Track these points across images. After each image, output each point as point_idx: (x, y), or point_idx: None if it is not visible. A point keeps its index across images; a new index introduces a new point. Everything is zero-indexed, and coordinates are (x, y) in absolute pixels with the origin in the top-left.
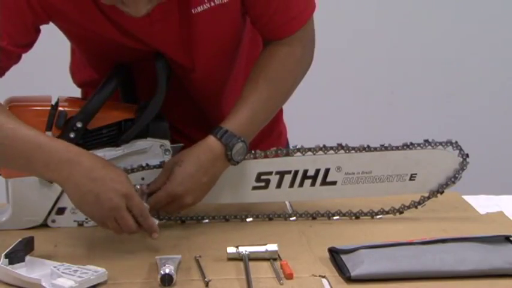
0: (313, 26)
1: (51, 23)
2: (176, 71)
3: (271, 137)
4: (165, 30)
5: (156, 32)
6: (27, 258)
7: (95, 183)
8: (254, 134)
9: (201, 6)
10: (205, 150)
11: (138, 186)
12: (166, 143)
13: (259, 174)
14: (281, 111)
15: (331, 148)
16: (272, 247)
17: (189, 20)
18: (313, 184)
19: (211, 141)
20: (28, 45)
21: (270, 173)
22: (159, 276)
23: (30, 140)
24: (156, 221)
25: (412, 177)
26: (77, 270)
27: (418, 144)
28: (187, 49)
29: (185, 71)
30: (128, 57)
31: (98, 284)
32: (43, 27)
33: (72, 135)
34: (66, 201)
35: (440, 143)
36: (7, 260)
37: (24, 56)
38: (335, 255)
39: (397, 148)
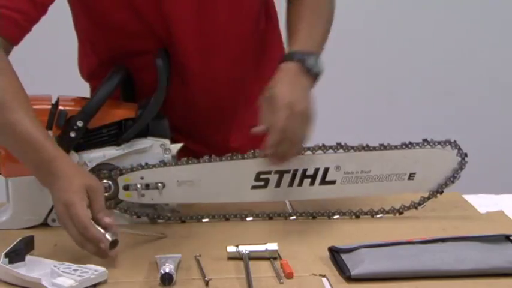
0: None
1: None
2: (182, 60)
3: None
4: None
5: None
6: (27, 257)
7: (55, 193)
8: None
9: None
10: (285, 72)
11: (139, 185)
12: (167, 142)
13: (259, 174)
14: None
15: (330, 147)
16: (272, 246)
17: None
18: (312, 183)
19: (285, 65)
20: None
21: (269, 172)
22: (159, 275)
23: (26, 139)
24: (109, 238)
25: (411, 176)
26: (77, 270)
27: (417, 144)
28: (197, 27)
29: (190, 59)
30: (132, 41)
31: (98, 283)
32: (44, 27)
33: (72, 134)
34: None
35: (439, 143)
36: (7, 259)
37: (24, 56)
38: (335, 254)
39: (396, 147)
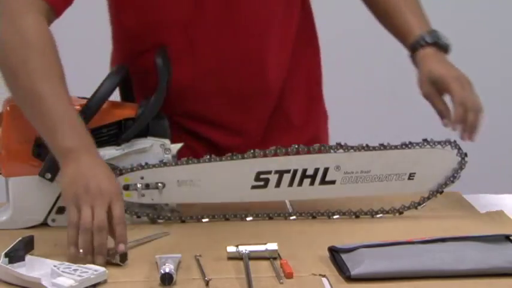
0: None
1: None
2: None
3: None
4: None
5: None
6: (27, 257)
7: (93, 171)
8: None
9: None
10: (429, 56)
11: (139, 185)
12: (167, 142)
13: (259, 174)
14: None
15: (330, 147)
16: (272, 246)
17: None
18: (312, 183)
19: (424, 51)
20: None
21: (269, 172)
22: (159, 275)
23: (66, 113)
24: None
25: (411, 176)
26: (77, 269)
27: (417, 144)
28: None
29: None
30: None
31: (98, 283)
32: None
33: None
34: None
35: (439, 142)
36: (7, 259)
37: None
38: (335, 254)
39: (395, 147)
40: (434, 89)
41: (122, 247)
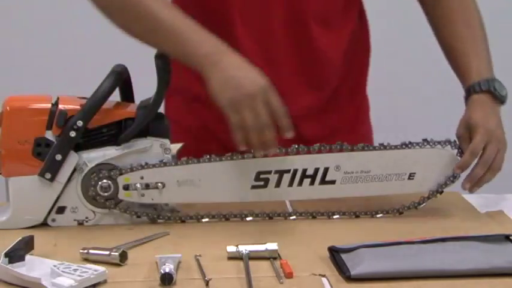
0: None
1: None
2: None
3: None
4: None
5: None
6: (27, 257)
7: (241, 71)
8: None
9: None
10: (478, 103)
11: (139, 185)
12: (167, 142)
13: (259, 173)
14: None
15: (330, 147)
16: (272, 246)
17: None
18: (312, 183)
19: (477, 96)
20: None
21: (269, 172)
22: (159, 275)
23: (187, 22)
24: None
25: (411, 176)
26: (76, 269)
27: (417, 143)
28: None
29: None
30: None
31: (98, 283)
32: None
33: (72, 134)
34: (66, 200)
35: (439, 142)
36: (7, 259)
37: (24, 55)
38: (335, 254)
39: (395, 147)
40: (467, 135)
41: (291, 134)
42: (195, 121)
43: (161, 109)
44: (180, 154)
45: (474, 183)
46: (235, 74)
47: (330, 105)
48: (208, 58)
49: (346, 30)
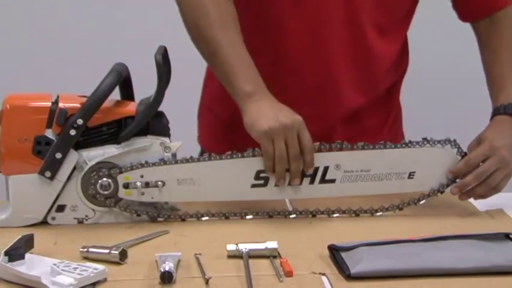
0: None
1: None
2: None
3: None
4: None
5: None
6: (27, 255)
7: (278, 106)
8: None
9: None
10: (498, 123)
11: (139, 184)
12: (166, 140)
13: (259, 172)
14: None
15: (330, 146)
16: (272, 244)
17: None
18: (312, 182)
19: (500, 118)
20: None
21: None
22: (159, 274)
23: (242, 56)
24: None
25: (411, 175)
26: (76, 268)
27: (417, 143)
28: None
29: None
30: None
31: (98, 282)
32: (45, 27)
33: (72, 132)
34: (66, 199)
35: (439, 141)
36: (7, 257)
37: (24, 55)
38: (335, 252)
39: (395, 146)
40: (476, 147)
41: (310, 171)
42: (227, 109)
43: (161, 107)
44: (209, 142)
45: (463, 192)
46: (273, 108)
47: (374, 106)
48: (250, 95)
49: (400, 38)
